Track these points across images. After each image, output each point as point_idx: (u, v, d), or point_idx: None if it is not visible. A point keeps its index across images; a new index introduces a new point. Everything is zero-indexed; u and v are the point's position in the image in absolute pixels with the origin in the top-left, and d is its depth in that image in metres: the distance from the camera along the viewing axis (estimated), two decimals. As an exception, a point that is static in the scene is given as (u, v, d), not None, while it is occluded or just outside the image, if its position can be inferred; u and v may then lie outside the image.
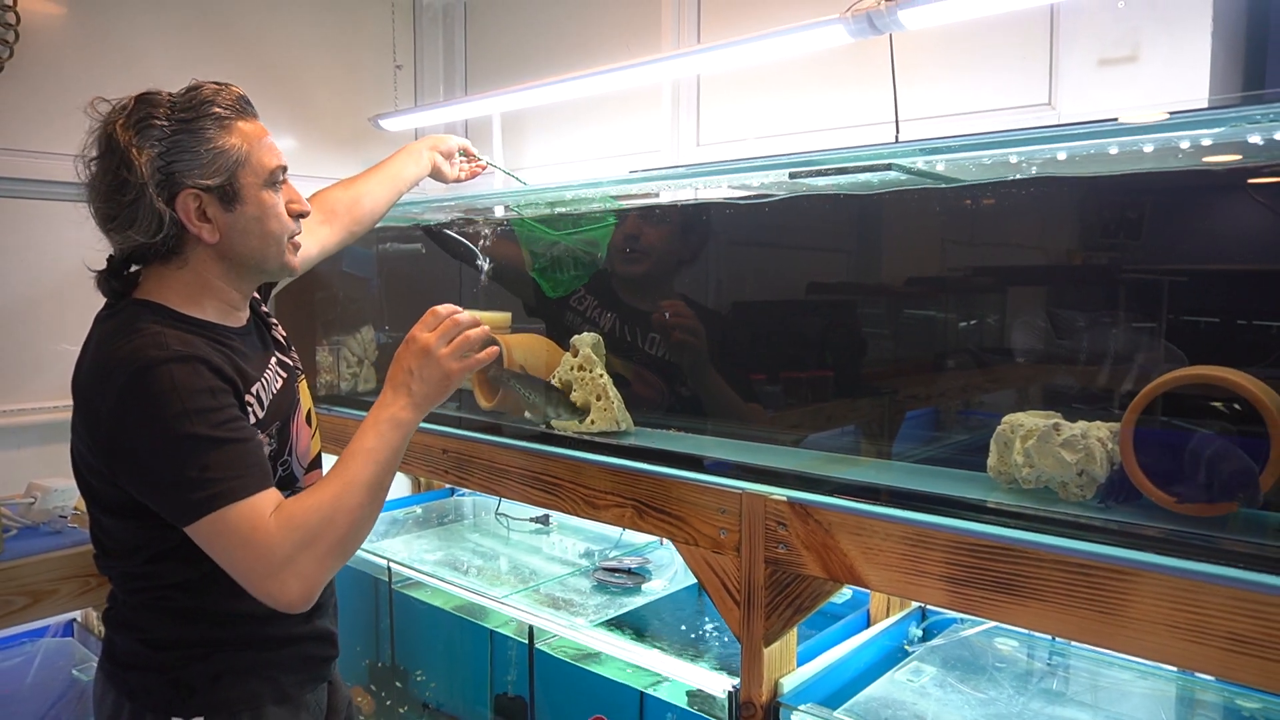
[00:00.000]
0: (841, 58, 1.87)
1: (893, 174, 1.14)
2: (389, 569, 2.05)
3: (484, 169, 1.67)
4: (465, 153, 1.70)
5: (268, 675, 1.22)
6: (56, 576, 1.47)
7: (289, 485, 1.27)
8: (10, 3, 2.00)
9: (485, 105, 2.21)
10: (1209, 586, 0.92)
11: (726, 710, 1.39)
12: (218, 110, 1.14)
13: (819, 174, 1.19)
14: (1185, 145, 1.05)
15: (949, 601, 1.13)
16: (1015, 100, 1.63)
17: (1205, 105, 1.40)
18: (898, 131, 1.60)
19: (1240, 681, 0.91)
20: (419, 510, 2.58)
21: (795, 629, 1.38)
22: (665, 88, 2.21)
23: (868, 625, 1.68)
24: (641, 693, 1.60)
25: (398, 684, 2.13)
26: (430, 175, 1.65)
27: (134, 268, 1.20)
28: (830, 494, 1.25)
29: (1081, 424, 1.15)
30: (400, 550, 2.24)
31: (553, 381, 1.70)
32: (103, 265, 1.19)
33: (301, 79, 2.56)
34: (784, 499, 1.28)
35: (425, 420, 1.81)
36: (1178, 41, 1.42)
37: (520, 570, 2.10)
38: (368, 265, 2.22)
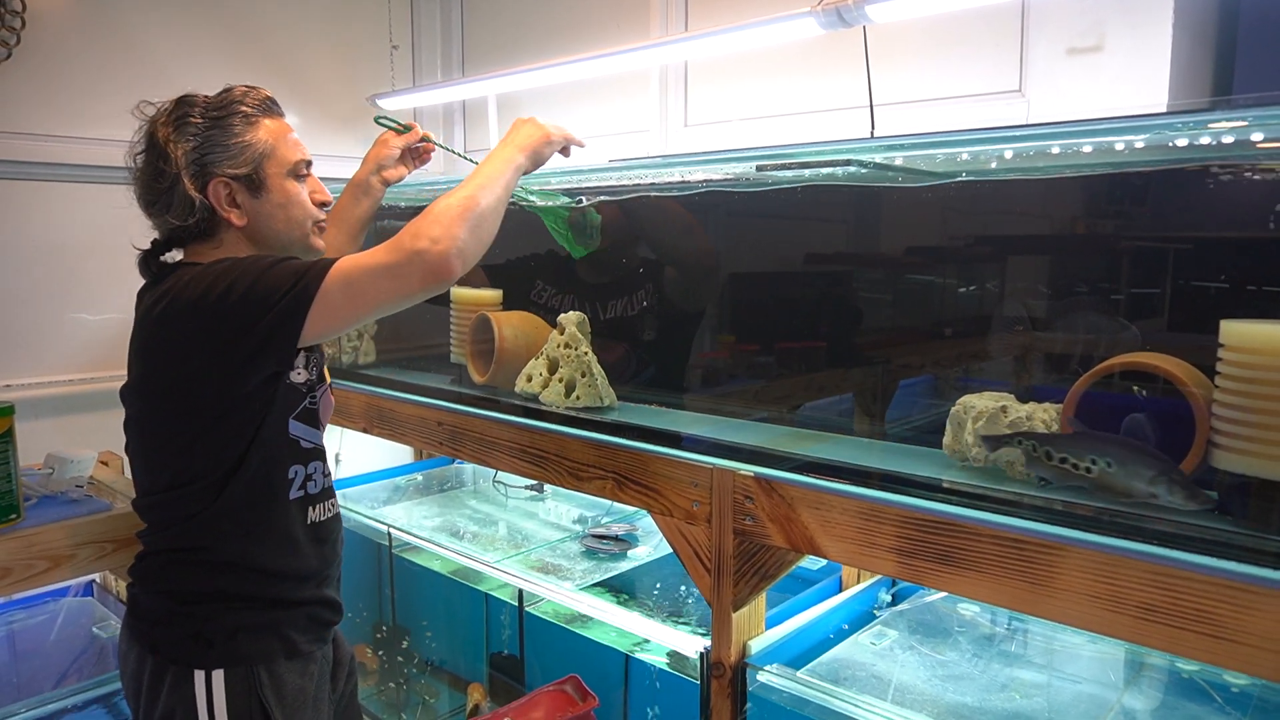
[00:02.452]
0: (823, 43, 1.91)
1: (853, 169, 1.20)
2: (389, 534, 2.15)
3: (433, 150, 1.69)
4: (410, 145, 1.67)
5: (281, 633, 1.31)
6: (75, 542, 1.57)
7: (311, 421, 1.35)
8: (17, -12, 2.06)
9: (479, 87, 2.26)
10: (1126, 560, 1.00)
11: (699, 670, 1.49)
12: (245, 109, 1.29)
13: (784, 168, 1.25)
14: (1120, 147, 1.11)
15: (898, 571, 1.21)
16: (988, 87, 1.68)
17: (1165, 98, 1.45)
18: (872, 119, 1.65)
19: (1149, 646, 0.99)
20: (420, 478, 2.68)
21: (764, 594, 1.48)
22: (654, 71, 2.25)
23: (839, 591, 1.78)
24: (626, 655, 1.70)
25: (401, 643, 2.25)
26: (390, 185, 1.67)
27: (172, 253, 1.32)
28: (794, 470, 1.33)
29: (1029, 406, 1.23)
30: (401, 516, 2.35)
31: (540, 358, 1.78)
32: (147, 246, 1.31)
33: (299, 60, 2.62)
34: (751, 474, 1.36)
35: (422, 394, 1.90)
36: (1140, 33, 1.46)
37: (514, 536, 2.20)
38: (366, 242, 2.30)
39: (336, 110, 2.66)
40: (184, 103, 1.29)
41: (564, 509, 2.43)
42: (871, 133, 1.66)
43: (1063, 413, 1.17)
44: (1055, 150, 1.21)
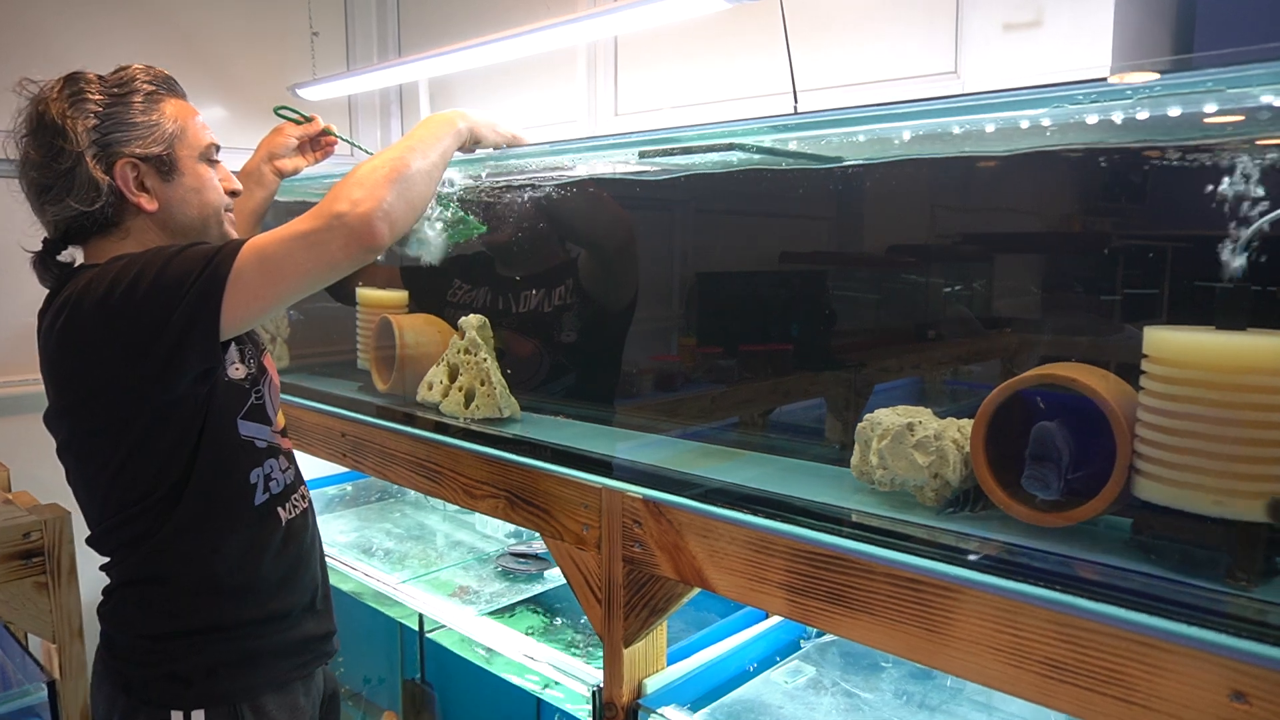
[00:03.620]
0: (755, 26, 1.77)
1: (736, 154, 1.05)
2: (298, 551, 2.02)
3: (335, 143, 1.57)
4: (309, 134, 1.56)
5: (262, 663, 1.22)
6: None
7: (261, 418, 1.24)
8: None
9: (403, 72, 2.12)
10: (1028, 608, 0.85)
11: (590, 710, 1.35)
12: (147, 86, 1.17)
13: (666, 153, 1.11)
14: (1025, 125, 0.97)
15: (789, 610, 1.07)
16: (921, 68, 1.53)
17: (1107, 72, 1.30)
18: (795, 101, 1.51)
19: (1056, 708, 0.84)
20: (349, 488, 2.54)
21: (664, 627, 1.34)
22: (582, 56, 2.11)
23: (766, 618, 1.63)
24: (537, 698, 1.55)
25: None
26: (285, 176, 1.55)
27: (69, 253, 1.18)
28: (684, 493, 1.19)
29: (938, 423, 1.08)
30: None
31: (441, 365, 1.64)
32: (38, 247, 1.17)
33: (215, 47, 2.48)
34: (639, 496, 1.22)
35: (325, 403, 1.76)
36: (1080, 5, 1.31)
37: (431, 553, 2.06)
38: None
39: (256, 100, 2.52)
40: (76, 79, 1.15)
41: (497, 522, 2.28)
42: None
43: (973, 433, 1.02)
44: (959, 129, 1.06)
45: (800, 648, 1.54)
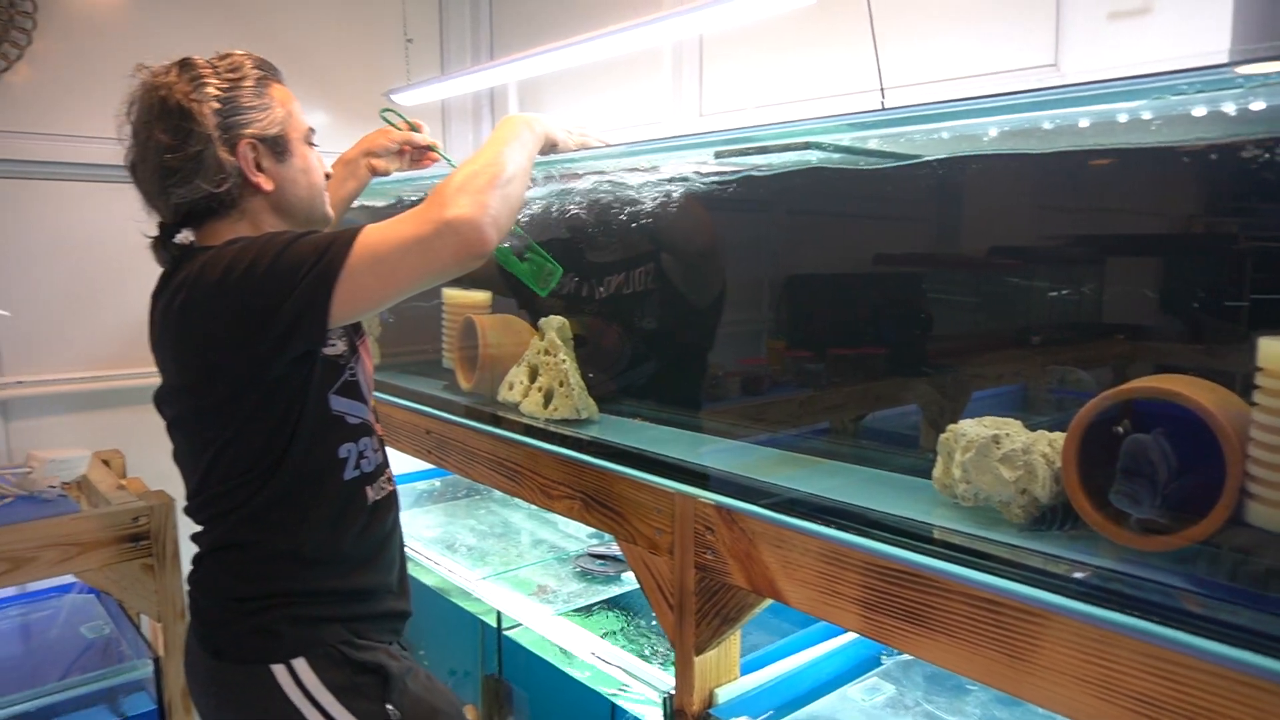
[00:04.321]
0: (843, 22, 1.72)
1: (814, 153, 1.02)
2: (386, 544, 2.07)
3: (436, 160, 1.59)
4: (412, 143, 1.58)
5: (349, 626, 1.23)
6: (36, 545, 1.54)
7: (353, 394, 1.26)
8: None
9: (490, 76, 2.15)
10: (1120, 639, 0.79)
11: (662, 716, 1.34)
12: (256, 71, 1.21)
13: (742, 153, 1.09)
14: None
15: (862, 627, 1.03)
16: (1017, 61, 1.45)
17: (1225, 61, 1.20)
18: (883, 99, 1.46)
19: (1150, 750, 0.78)
20: (438, 483, 2.61)
21: (738, 636, 1.31)
22: (666, 55, 2.09)
23: (845, 631, 1.58)
24: (612, 702, 1.55)
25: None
26: (376, 175, 1.59)
27: (184, 234, 1.21)
28: (759, 501, 1.16)
29: (1027, 436, 1.02)
30: (405, 525, 2.26)
31: (521, 365, 1.66)
32: (155, 233, 1.21)
33: (316, 57, 2.58)
34: (711, 503, 1.20)
35: (412, 400, 1.79)
36: (1198, -10, 1.22)
37: (510, 551, 2.09)
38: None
39: (352, 106, 2.61)
40: (190, 64, 1.18)
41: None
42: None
43: (1064, 447, 0.96)
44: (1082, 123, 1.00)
45: (880, 664, 1.49)
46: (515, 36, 2.72)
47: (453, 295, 1.88)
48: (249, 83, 1.19)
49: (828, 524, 1.06)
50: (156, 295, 1.20)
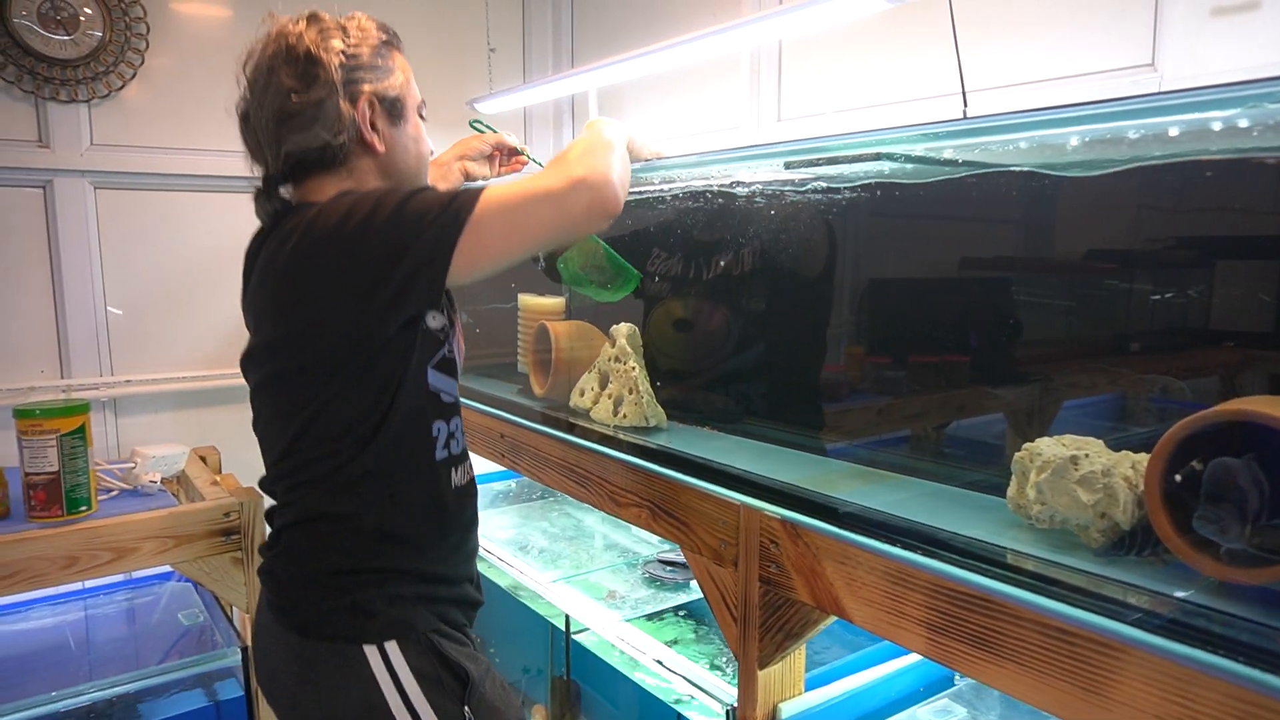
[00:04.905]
0: (925, 20, 1.68)
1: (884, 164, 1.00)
2: (462, 543, 2.12)
3: (525, 164, 1.62)
4: (503, 146, 1.63)
5: (437, 609, 1.21)
6: (138, 536, 1.64)
7: (450, 371, 1.24)
8: (141, 14, 2.20)
9: (567, 85, 2.18)
10: (1203, 678, 0.75)
11: (725, 728, 1.33)
12: (381, 34, 1.21)
13: (811, 164, 1.07)
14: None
15: (928, 650, 1.00)
16: (1111, 61, 1.38)
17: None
18: (965, 103, 1.41)
19: (1234, 798, 0.73)
20: (514, 485, 2.65)
21: (802, 650, 1.29)
22: (745, 60, 2.08)
23: (919, 649, 1.54)
24: (677, 711, 1.55)
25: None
26: (467, 180, 1.61)
27: (287, 188, 1.20)
28: (825, 515, 1.14)
29: (1108, 457, 0.97)
30: (481, 525, 2.31)
31: (592, 372, 1.68)
32: (258, 185, 1.20)
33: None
34: (777, 517, 1.18)
35: (487, 404, 1.79)
36: (1311, -18, 1.14)
37: (581, 554, 2.10)
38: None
39: (436, 115, 2.66)
40: (319, 17, 1.18)
41: (650, 526, 2.30)
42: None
43: (1148, 471, 0.91)
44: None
45: (954, 684, 1.44)
46: (596, 44, 2.74)
47: (528, 301, 1.91)
48: (373, 42, 1.19)
49: (892, 542, 1.03)
50: (253, 252, 1.18)
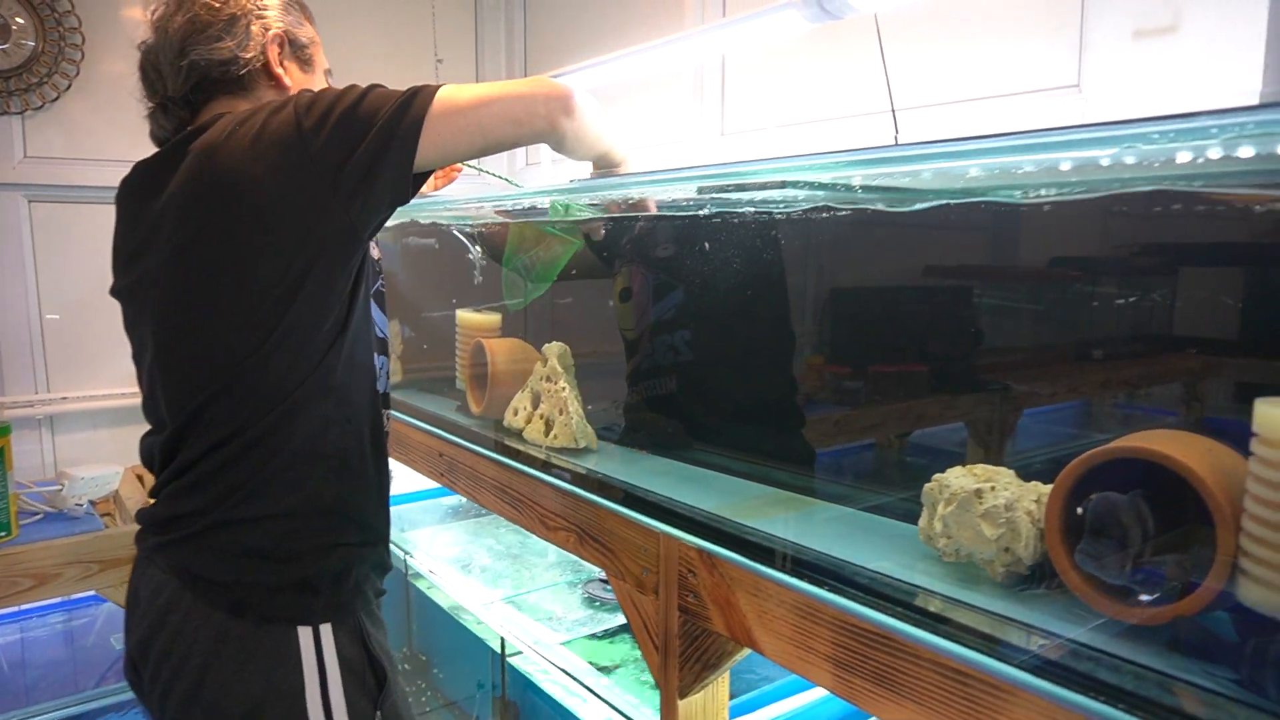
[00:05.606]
0: (866, 37, 1.67)
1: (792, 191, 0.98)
2: (405, 561, 2.09)
3: (459, 172, 1.60)
4: None
5: (367, 580, 1.16)
6: (61, 561, 1.60)
7: (382, 305, 1.22)
8: (76, 24, 2.16)
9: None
10: (1087, 724, 0.73)
11: (648, 760, 1.31)
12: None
13: (722, 190, 1.06)
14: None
15: (835, 686, 0.98)
16: (1037, 82, 1.38)
17: (1259, 86, 1.11)
18: (895, 123, 1.40)
19: None
20: (462, 500, 2.62)
21: (726, 679, 1.27)
22: (688, 74, 2.06)
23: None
24: None
25: (419, 680, 2.18)
26: None
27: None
28: (736, 546, 1.13)
29: (1013, 490, 0.96)
30: (424, 541, 2.28)
31: (525, 391, 1.65)
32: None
33: (347, 76, 2.62)
34: (694, 546, 1.17)
35: (427, 421, 1.77)
36: (1226, 7, 1.13)
37: (522, 574, 2.08)
38: (390, 260, 2.25)
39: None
40: None
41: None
42: (895, 138, 1.41)
43: (1048, 508, 0.90)
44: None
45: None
46: (549, 56, 2.72)
47: (465, 317, 1.89)
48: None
49: (801, 576, 1.02)
50: (139, 186, 1.10)
